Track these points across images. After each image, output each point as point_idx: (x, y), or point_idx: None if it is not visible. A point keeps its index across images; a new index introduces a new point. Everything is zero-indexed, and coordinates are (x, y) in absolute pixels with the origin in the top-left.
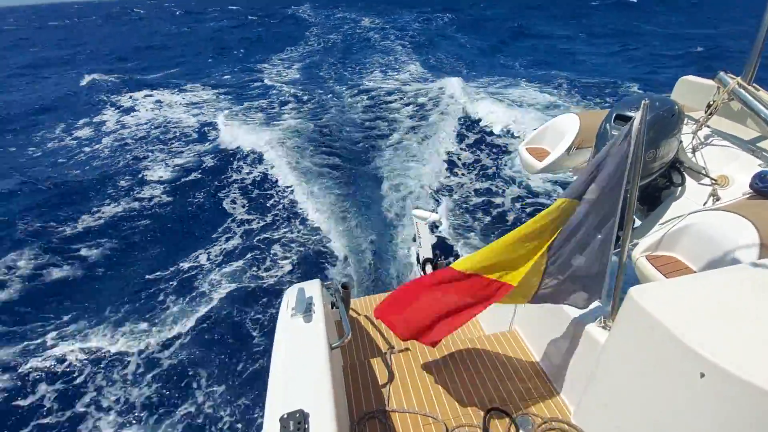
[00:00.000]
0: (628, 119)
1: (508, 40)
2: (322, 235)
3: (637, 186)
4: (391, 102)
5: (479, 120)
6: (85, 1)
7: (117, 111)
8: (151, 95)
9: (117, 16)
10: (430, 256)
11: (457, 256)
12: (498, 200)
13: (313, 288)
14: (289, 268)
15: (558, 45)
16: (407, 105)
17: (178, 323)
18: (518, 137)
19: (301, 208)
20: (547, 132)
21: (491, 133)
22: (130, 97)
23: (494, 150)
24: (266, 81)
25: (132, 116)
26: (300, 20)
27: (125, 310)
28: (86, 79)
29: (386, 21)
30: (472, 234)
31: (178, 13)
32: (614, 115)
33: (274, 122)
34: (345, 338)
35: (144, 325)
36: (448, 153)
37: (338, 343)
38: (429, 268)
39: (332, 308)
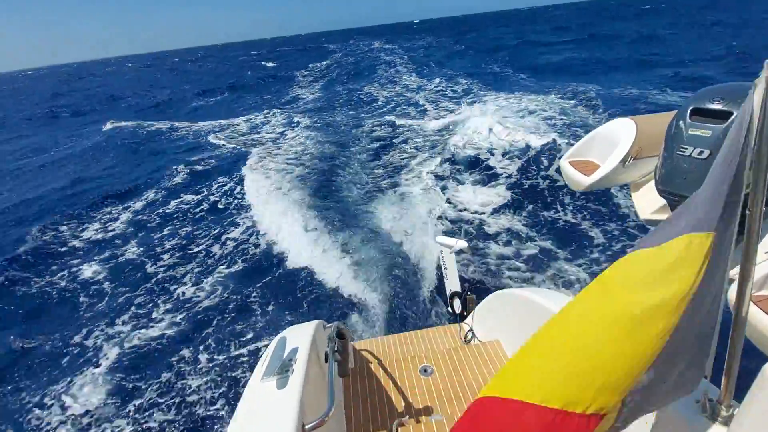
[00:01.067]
0: (711, 114)
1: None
2: (327, 271)
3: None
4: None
5: (502, 137)
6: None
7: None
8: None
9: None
10: (458, 288)
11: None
12: (543, 217)
13: (303, 335)
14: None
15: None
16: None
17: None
18: (552, 148)
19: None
20: (594, 141)
21: (520, 150)
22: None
23: (529, 166)
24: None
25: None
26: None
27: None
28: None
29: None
30: (507, 269)
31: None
32: (690, 109)
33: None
34: (325, 415)
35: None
36: (473, 172)
37: (313, 423)
38: (457, 303)
39: (326, 361)
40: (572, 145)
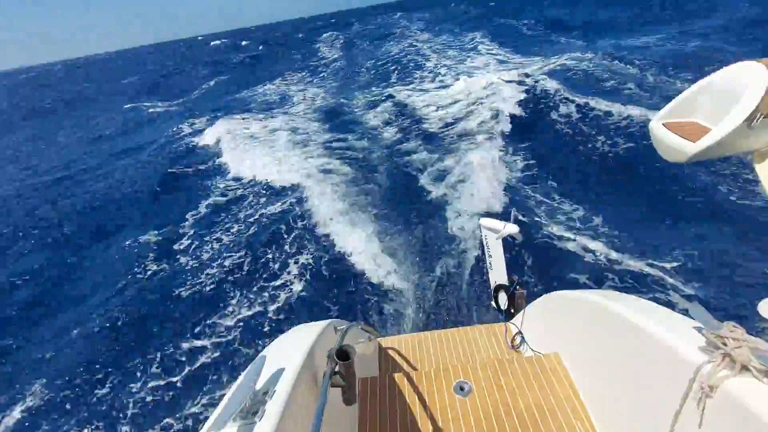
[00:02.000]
0: None
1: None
2: (355, 259)
3: None
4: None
5: (554, 97)
6: None
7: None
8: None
9: None
10: (505, 281)
11: (543, 287)
12: (619, 197)
13: (299, 346)
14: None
15: None
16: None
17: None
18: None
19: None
20: (703, 95)
21: (586, 111)
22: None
23: (605, 132)
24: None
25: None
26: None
27: None
28: None
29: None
30: (568, 263)
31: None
32: None
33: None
34: None
35: None
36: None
37: None
38: (503, 298)
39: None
40: (676, 99)
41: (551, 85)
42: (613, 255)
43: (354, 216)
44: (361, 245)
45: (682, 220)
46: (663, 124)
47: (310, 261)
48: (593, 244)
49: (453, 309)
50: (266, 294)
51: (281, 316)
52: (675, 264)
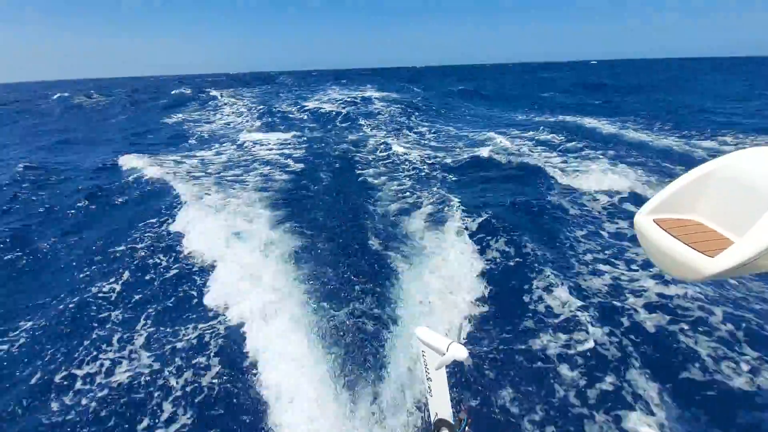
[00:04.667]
0: None
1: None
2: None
3: None
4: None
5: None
6: None
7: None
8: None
9: None
10: (449, 416)
11: (494, 418)
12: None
13: None
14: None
15: None
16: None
17: None
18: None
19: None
20: (701, 186)
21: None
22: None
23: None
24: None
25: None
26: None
27: None
28: None
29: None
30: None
31: None
32: None
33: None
34: None
35: None
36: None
37: None
38: None
39: None
40: (666, 189)
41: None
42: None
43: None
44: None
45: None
46: (654, 221)
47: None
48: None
49: None
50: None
51: None
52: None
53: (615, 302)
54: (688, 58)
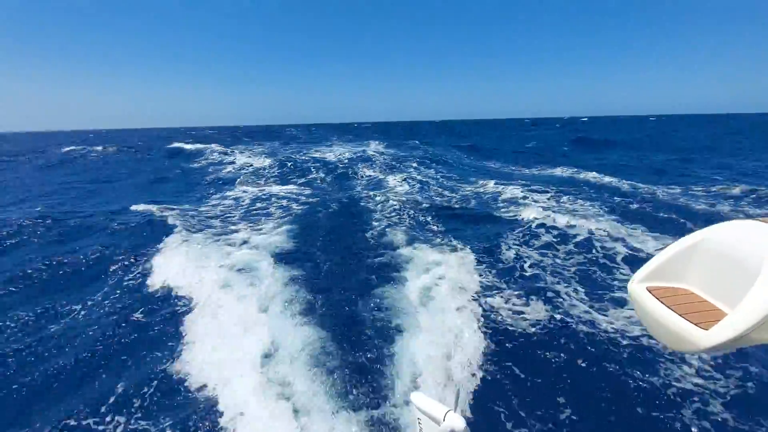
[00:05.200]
0: None
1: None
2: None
3: None
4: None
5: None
6: None
7: None
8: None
9: None
10: None
11: None
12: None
13: None
14: None
15: None
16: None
17: None
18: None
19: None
20: (692, 256)
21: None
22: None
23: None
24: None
25: None
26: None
27: None
28: None
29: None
30: None
31: None
32: None
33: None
34: None
35: None
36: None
37: None
38: None
39: None
40: (657, 259)
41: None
42: None
43: None
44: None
45: None
46: (647, 289)
47: None
48: None
49: None
50: None
51: None
52: None
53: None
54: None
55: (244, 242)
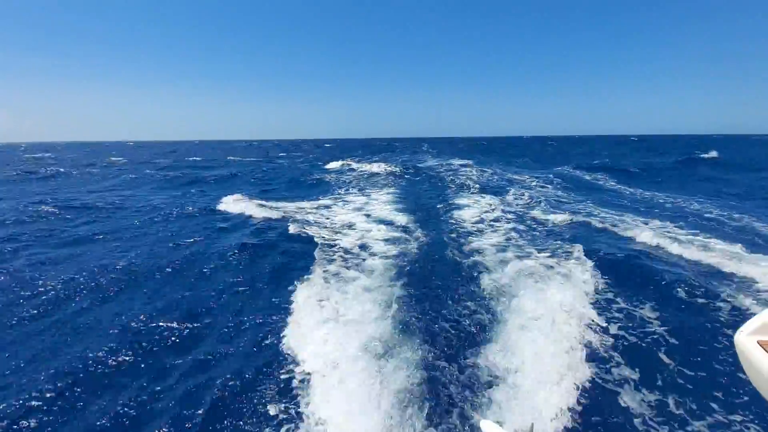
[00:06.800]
0: None
1: None
2: None
3: None
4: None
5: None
6: None
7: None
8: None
9: None
10: None
11: None
12: None
13: None
14: None
15: None
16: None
17: None
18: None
19: None
20: None
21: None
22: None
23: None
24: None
25: None
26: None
27: None
28: None
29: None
30: None
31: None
32: None
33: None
34: None
35: None
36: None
37: None
38: None
39: None
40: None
41: None
42: None
43: None
44: None
45: None
46: (759, 343)
47: None
48: None
49: None
50: None
51: None
52: None
53: None
54: None
55: None
